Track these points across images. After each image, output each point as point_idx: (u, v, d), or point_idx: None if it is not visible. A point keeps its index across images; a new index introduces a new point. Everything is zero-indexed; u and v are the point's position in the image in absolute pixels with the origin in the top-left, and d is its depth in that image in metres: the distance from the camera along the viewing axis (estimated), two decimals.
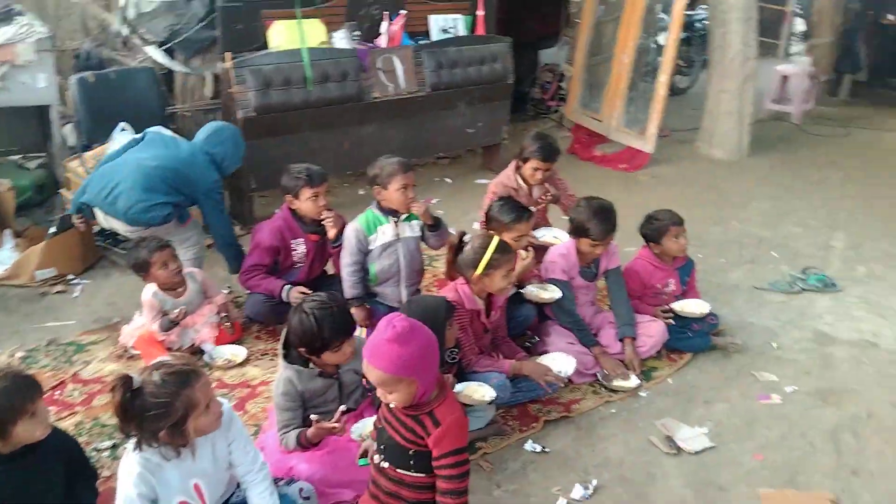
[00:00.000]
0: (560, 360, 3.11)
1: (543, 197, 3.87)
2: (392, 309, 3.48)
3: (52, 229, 4.02)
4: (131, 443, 2.00)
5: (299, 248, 3.59)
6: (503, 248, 2.90)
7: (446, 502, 1.89)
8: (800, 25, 10.91)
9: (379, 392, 1.88)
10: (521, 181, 3.88)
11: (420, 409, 1.88)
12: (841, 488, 2.64)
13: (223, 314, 3.51)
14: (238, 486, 2.34)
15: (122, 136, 4.38)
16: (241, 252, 3.83)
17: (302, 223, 3.57)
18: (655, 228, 3.51)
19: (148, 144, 3.79)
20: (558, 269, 3.43)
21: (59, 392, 3.10)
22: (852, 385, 3.26)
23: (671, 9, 6.25)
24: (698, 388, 3.26)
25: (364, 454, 2.18)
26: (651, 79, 6.59)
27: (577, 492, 2.62)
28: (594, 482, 2.66)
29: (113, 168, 3.66)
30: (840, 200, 5.61)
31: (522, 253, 3.32)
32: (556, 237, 3.75)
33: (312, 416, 2.45)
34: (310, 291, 3.46)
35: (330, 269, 3.79)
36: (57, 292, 3.93)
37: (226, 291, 3.79)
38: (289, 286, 3.48)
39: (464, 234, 3.01)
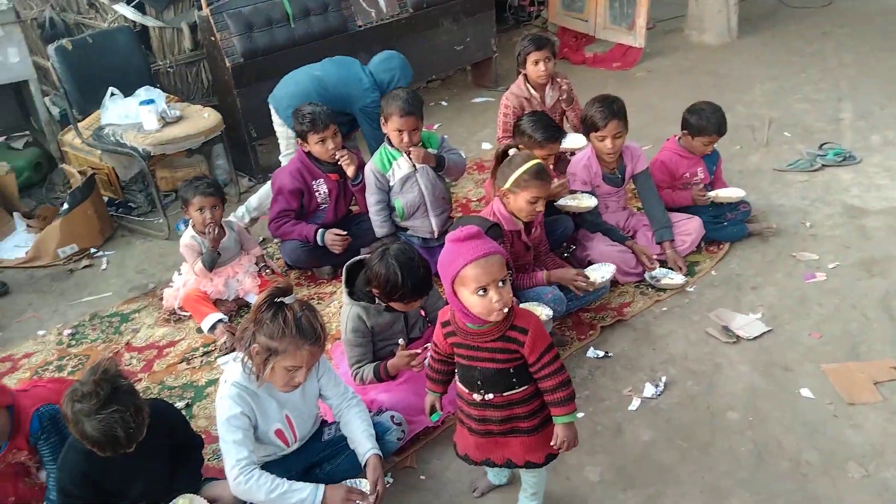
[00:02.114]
0: (600, 269, 3.14)
1: (561, 87, 3.80)
2: (426, 240, 3.48)
3: (65, 206, 3.92)
4: (227, 371, 2.13)
5: (321, 188, 3.53)
6: (538, 172, 2.78)
7: (560, 395, 1.92)
8: None
9: (494, 296, 1.77)
10: (532, 90, 3.83)
11: (501, 328, 1.88)
12: None
13: (261, 264, 3.51)
14: (324, 423, 2.42)
15: (112, 101, 4.22)
16: None
17: (319, 163, 3.51)
18: (695, 126, 3.47)
19: (330, 61, 3.99)
20: (578, 181, 3.42)
21: (117, 362, 3.10)
22: (893, 252, 3.33)
23: None
24: (743, 275, 3.31)
25: (433, 410, 2.18)
26: None
27: (649, 390, 2.69)
28: (663, 379, 2.73)
29: (293, 73, 3.93)
30: (839, 70, 5.59)
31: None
32: (574, 143, 3.72)
33: (400, 341, 2.51)
34: (344, 232, 3.46)
35: (355, 207, 3.76)
36: (84, 267, 3.87)
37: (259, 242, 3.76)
38: (322, 229, 3.46)
39: (510, 146, 2.89)
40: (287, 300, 2.04)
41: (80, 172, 4.15)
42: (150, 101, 4.04)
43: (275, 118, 3.95)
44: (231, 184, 4.49)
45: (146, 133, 3.97)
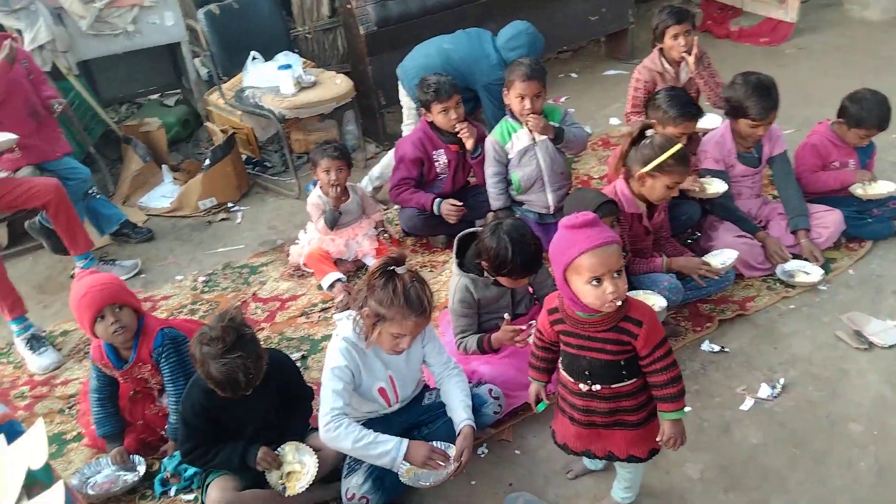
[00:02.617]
0: (721, 254, 2.98)
1: (692, 57, 3.57)
2: (542, 216, 3.45)
3: (207, 161, 4.20)
4: (340, 326, 2.24)
5: (441, 158, 3.58)
6: (683, 157, 2.68)
7: (670, 391, 1.86)
8: None
9: (609, 287, 1.72)
10: (666, 65, 3.66)
11: (614, 318, 1.83)
12: None
13: (380, 229, 3.62)
14: (426, 388, 2.49)
15: (254, 65, 4.43)
16: None
17: (441, 134, 3.54)
18: (854, 116, 3.19)
19: (463, 33, 4.01)
20: (710, 158, 3.24)
21: (242, 311, 3.31)
22: None
23: None
24: (885, 277, 3.05)
25: (538, 400, 2.13)
26: None
27: (764, 391, 2.56)
28: (781, 380, 2.59)
29: (423, 45, 4.00)
30: None
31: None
32: (708, 124, 3.54)
33: (506, 316, 2.53)
34: (460, 203, 3.49)
35: (473, 179, 3.77)
36: (221, 220, 4.15)
37: (383, 208, 3.87)
38: (439, 199, 3.50)
39: (647, 125, 2.79)
40: (399, 270, 2.09)
41: (222, 131, 4.43)
42: (288, 66, 4.21)
43: (400, 88, 4.02)
44: (359, 149, 4.63)
45: (283, 97, 4.15)
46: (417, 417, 2.43)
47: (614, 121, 4.77)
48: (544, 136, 3.30)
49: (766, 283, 3.10)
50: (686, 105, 3.11)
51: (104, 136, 4.71)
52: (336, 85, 4.29)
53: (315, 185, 3.62)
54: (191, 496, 2.41)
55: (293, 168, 4.32)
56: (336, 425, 2.13)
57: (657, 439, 1.93)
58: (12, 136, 3.32)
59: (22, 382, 3.05)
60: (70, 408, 2.88)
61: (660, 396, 1.89)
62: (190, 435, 2.23)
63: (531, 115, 3.20)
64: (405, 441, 2.17)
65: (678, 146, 2.66)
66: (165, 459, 2.49)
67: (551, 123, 3.29)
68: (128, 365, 2.50)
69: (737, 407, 2.52)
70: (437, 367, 2.36)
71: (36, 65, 3.86)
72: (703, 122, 3.52)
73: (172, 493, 2.43)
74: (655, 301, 2.66)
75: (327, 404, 2.16)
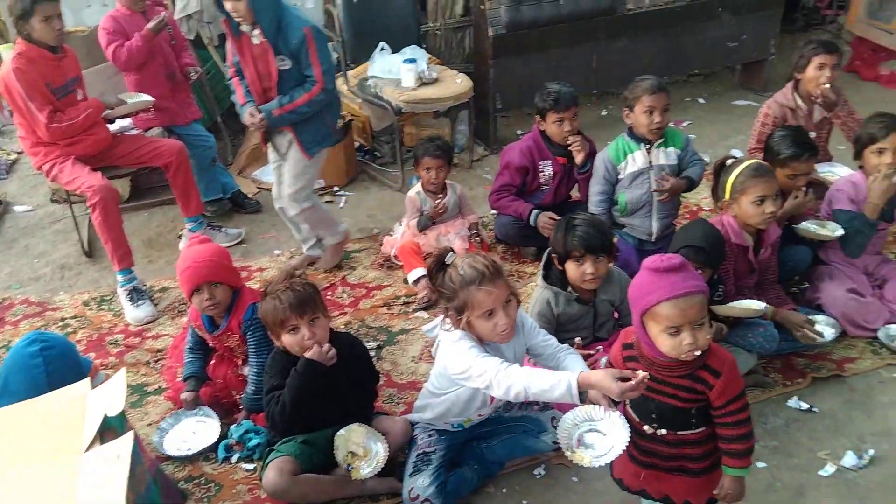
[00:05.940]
0: (829, 324, 2.84)
1: (826, 104, 3.38)
2: (642, 242, 3.34)
3: None
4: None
5: (546, 170, 3.53)
6: (756, 169, 2.63)
7: (737, 447, 1.79)
8: None
9: (686, 338, 1.66)
10: (799, 101, 3.46)
11: (691, 365, 1.75)
12: None
13: (473, 231, 3.62)
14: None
15: (381, 56, 4.55)
16: None
17: (551, 145, 3.50)
18: None
19: None
20: (845, 197, 3.02)
21: (330, 293, 3.43)
22: None
23: None
24: None
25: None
26: None
27: (850, 459, 2.38)
28: (871, 451, 2.40)
29: None
30: None
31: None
32: (834, 172, 3.34)
33: (577, 339, 2.49)
34: (558, 217, 3.43)
35: (576, 194, 3.71)
36: (325, 202, 4.26)
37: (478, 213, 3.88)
38: (537, 211, 3.47)
39: (726, 158, 2.74)
40: (448, 259, 2.09)
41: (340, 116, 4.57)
42: (413, 61, 4.29)
43: None
44: (467, 150, 4.66)
45: (402, 90, 4.23)
46: (478, 430, 2.40)
47: (736, 152, 4.52)
48: (662, 161, 3.21)
49: (872, 345, 2.87)
50: (796, 144, 2.94)
51: (230, 107, 4.96)
52: (456, 84, 4.34)
53: (418, 179, 3.67)
54: (251, 465, 2.51)
55: (401, 161, 4.40)
56: (506, 366, 2.00)
57: (714, 491, 1.85)
58: (149, 98, 3.60)
59: (118, 330, 3.27)
60: (156, 361, 3.05)
61: (726, 450, 1.81)
62: (273, 375, 2.34)
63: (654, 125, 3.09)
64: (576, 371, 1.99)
65: (747, 161, 2.63)
66: (233, 427, 2.59)
67: (683, 176, 3.24)
68: (218, 331, 2.65)
69: (815, 472, 2.35)
70: (550, 350, 2.25)
71: (180, 32, 4.13)
72: (828, 171, 3.33)
73: (234, 459, 2.53)
74: (756, 306, 2.59)
75: (490, 363, 2.01)
